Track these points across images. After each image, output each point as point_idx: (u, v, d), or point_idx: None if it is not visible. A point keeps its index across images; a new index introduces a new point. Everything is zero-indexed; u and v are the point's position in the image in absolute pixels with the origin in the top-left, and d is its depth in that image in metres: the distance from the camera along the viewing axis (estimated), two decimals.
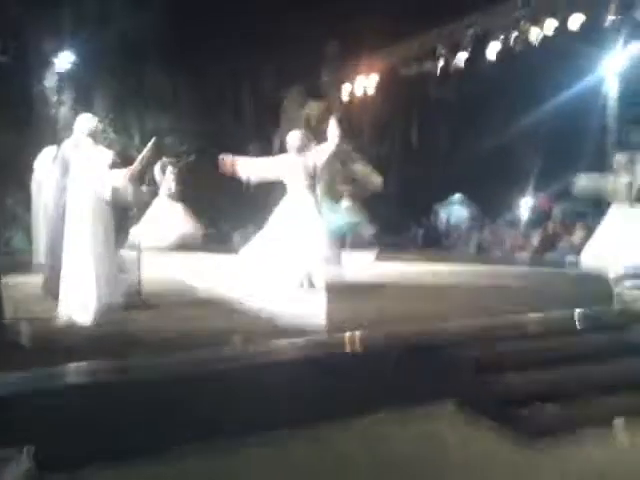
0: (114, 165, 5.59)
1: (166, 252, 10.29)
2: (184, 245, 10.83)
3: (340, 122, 6.38)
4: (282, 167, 6.38)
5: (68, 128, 11.99)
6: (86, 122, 4.88)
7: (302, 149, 6.31)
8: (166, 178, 11.25)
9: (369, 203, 13.26)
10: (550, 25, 8.58)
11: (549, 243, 11.09)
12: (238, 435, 3.60)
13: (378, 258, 10.05)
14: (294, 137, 6.41)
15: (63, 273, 4.67)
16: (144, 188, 5.84)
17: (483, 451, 3.86)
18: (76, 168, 4.75)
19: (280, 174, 6.37)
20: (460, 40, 9.77)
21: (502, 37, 9.21)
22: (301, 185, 6.24)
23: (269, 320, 4.81)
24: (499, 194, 16.20)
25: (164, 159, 11.50)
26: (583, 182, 7.37)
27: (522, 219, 14.56)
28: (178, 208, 11.04)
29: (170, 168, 11.40)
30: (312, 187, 6.30)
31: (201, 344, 3.93)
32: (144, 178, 11.66)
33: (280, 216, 6.23)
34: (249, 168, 6.40)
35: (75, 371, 3.46)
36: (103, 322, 4.48)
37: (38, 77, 13.45)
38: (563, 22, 8.49)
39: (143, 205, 12.27)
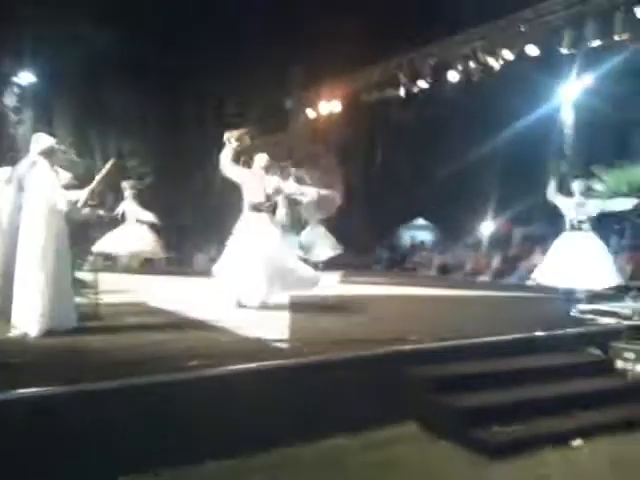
0: (72, 187, 5.55)
1: (130, 275, 10.20)
2: (144, 258, 10.80)
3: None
4: (248, 181, 6.44)
5: (27, 148, 11.91)
6: (41, 141, 4.80)
7: (266, 172, 6.41)
8: (127, 201, 11.18)
9: (335, 225, 13.40)
10: (506, 56, 8.83)
11: (509, 266, 11.28)
12: (181, 464, 3.53)
13: (344, 280, 10.11)
14: (261, 159, 6.49)
15: (14, 293, 4.54)
16: (101, 212, 5.70)
17: (442, 474, 3.86)
18: (31, 187, 4.65)
19: (244, 185, 6.41)
20: (420, 69, 9.98)
21: (460, 67, 9.42)
22: (260, 205, 6.30)
23: (221, 342, 4.75)
24: (460, 218, 16.48)
25: (124, 183, 11.43)
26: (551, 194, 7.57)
27: (483, 242, 14.82)
28: (141, 228, 10.96)
29: (129, 191, 11.31)
30: (269, 208, 6.37)
31: (148, 370, 3.83)
32: (103, 201, 11.63)
33: (239, 238, 6.25)
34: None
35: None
36: (50, 344, 4.34)
37: None
38: (519, 53, 8.74)
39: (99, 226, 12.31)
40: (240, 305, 6.25)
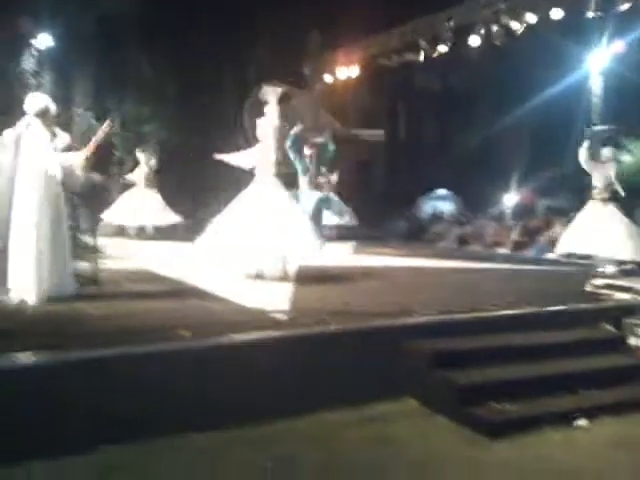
0: (71, 148, 5.44)
1: (139, 240, 10.18)
2: (156, 230, 10.75)
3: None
4: (254, 156, 6.30)
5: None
6: (35, 102, 4.70)
7: (272, 136, 6.23)
8: (143, 166, 11.11)
9: (354, 195, 13.21)
10: (530, 19, 8.46)
11: (529, 238, 11.01)
12: (168, 434, 3.48)
13: (356, 251, 9.96)
14: (265, 124, 6.31)
15: (10, 256, 4.50)
16: (95, 176, 5.60)
17: (439, 451, 3.76)
18: (26, 148, 4.58)
19: (253, 162, 6.30)
20: (440, 33, 9.63)
21: (482, 31, 9.06)
22: (268, 172, 6.15)
23: (220, 311, 4.67)
24: (484, 189, 16.16)
25: (141, 147, 11.37)
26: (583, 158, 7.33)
27: (505, 214, 14.54)
28: (153, 195, 10.88)
29: (146, 156, 11.24)
30: (279, 175, 6.21)
31: (138, 340, 3.76)
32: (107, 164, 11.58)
33: (242, 203, 6.11)
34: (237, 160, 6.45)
35: None
36: (45, 311, 4.31)
37: (16, 59, 13.16)
38: (544, 17, 8.36)
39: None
40: (257, 276, 6.11)
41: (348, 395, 4.16)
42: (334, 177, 11.21)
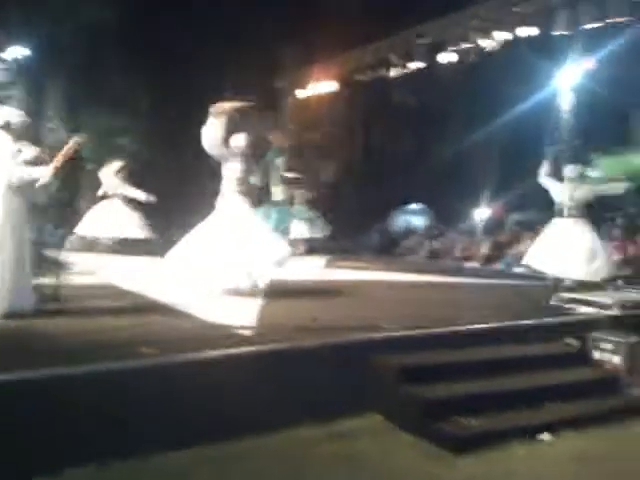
0: (40, 161, 5.36)
1: (108, 255, 10.04)
2: (125, 243, 10.59)
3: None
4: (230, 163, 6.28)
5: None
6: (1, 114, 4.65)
7: (244, 153, 6.23)
8: (115, 179, 10.95)
9: (328, 208, 13.22)
10: (499, 37, 8.60)
11: (499, 252, 11.12)
12: (141, 453, 3.41)
13: (328, 265, 9.96)
14: (240, 139, 6.28)
15: None
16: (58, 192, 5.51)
17: (402, 467, 3.74)
18: None
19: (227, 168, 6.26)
20: (412, 49, 9.75)
21: (453, 48, 9.20)
22: (234, 187, 6.14)
23: (187, 328, 4.62)
24: (456, 203, 16.31)
25: (113, 162, 11.22)
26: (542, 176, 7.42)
27: (476, 228, 14.67)
28: (124, 208, 10.75)
29: (118, 169, 11.10)
30: (244, 191, 6.19)
31: (101, 356, 3.70)
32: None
33: (212, 220, 6.09)
34: None
35: None
36: (1, 327, 4.22)
37: None
38: (513, 34, 8.51)
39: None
40: (228, 292, 6.07)
41: (316, 411, 4.13)
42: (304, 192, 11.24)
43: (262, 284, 6.28)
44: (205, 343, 4.16)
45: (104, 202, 10.81)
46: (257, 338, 4.42)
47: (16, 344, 3.93)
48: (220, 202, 6.22)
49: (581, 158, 13.87)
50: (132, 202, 11.01)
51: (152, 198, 10.67)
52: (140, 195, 10.68)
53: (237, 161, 6.20)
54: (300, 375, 4.15)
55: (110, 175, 10.95)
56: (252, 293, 6.06)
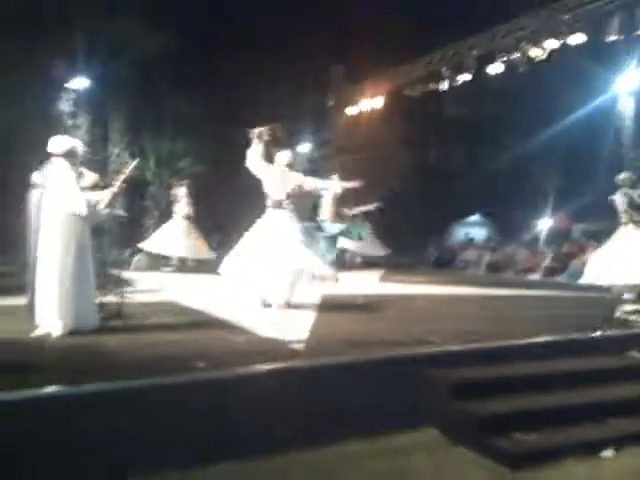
0: (99, 187, 5.64)
1: (172, 274, 10.34)
2: (194, 263, 10.87)
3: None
4: (271, 180, 6.42)
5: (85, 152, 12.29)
6: (59, 143, 4.90)
7: (290, 168, 6.37)
8: (179, 200, 11.28)
9: (387, 223, 13.22)
10: (550, 45, 8.46)
11: (561, 263, 10.81)
12: (187, 466, 3.50)
13: (382, 279, 9.94)
14: (283, 156, 6.45)
15: (37, 293, 4.67)
16: (121, 212, 5.76)
17: None
18: (51, 188, 4.77)
19: (265, 182, 6.42)
20: (463, 61, 9.69)
21: (505, 58, 9.10)
22: (281, 202, 6.26)
23: (239, 342, 4.71)
24: (518, 214, 16.00)
25: (175, 182, 11.57)
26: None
27: (539, 239, 14.34)
28: (189, 227, 11.05)
29: (182, 190, 11.44)
30: (291, 205, 6.31)
31: (156, 370, 3.83)
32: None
33: (256, 233, 6.22)
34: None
35: None
36: (67, 345, 4.42)
37: (53, 101, 13.69)
38: (565, 42, 8.35)
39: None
40: (265, 305, 6.21)
41: (367, 426, 4.12)
42: (353, 210, 11.29)
43: (313, 298, 6.38)
44: (257, 357, 4.23)
45: (171, 222, 11.12)
46: (307, 352, 4.47)
47: (79, 359, 4.11)
48: (264, 217, 6.37)
49: None
50: (195, 223, 11.32)
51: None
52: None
53: (279, 178, 6.34)
54: (349, 390, 4.16)
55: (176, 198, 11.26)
56: (304, 306, 6.16)
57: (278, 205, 6.29)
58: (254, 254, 6.04)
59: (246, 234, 6.30)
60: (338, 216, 9.65)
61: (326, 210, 9.45)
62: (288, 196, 6.30)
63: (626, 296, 6.67)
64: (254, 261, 6.00)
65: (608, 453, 4.02)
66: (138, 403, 3.60)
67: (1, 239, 9.95)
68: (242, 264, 6.06)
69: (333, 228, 8.61)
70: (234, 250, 6.25)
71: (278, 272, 6.00)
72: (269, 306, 6.19)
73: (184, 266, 10.98)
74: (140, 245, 10.83)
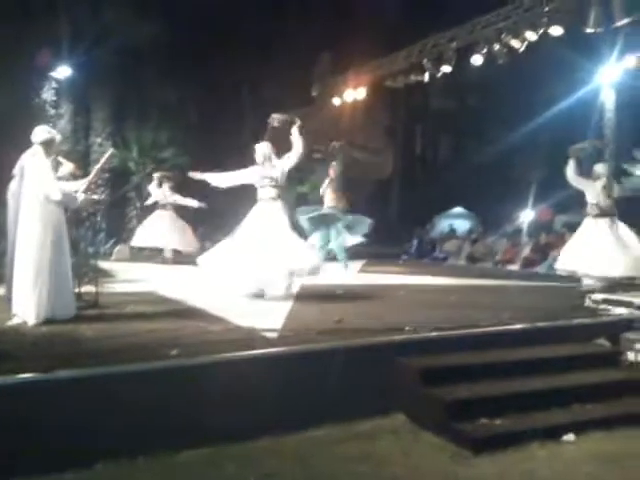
0: (75, 176, 5.68)
1: (155, 264, 10.35)
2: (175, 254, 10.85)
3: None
4: (250, 178, 6.49)
5: (66, 142, 12.23)
6: (40, 133, 4.95)
7: (268, 159, 6.42)
8: (162, 191, 11.19)
9: (370, 214, 13.29)
10: (530, 37, 8.55)
11: (540, 254, 10.96)
12: (157, 451, 3.58)
13: (362, 270, 10.03)
14: (261, 148, 6.51)
15: (14, 282, 4.72)
16: (95, 196, 5.81)
17: (420, 467, 3.79)
18: (29, 176, 4.81)
19: (250, 182, 6.48)
20: (443, 53, 9.77)
21: (485, 50, 9.17)
22: (268, 193, 6.30)
23: (216, 331, 4.79)
24: (500, 206, 16.15)
25: (158, 174, 11.50)
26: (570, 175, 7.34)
27: (520, 230, 14.49)
28: (173, 217, 11.00)
29: (165, 182, 11.37)
30: (279, 195, 6.36)
31: (131, 357, 3.90)
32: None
33: (247, 225, 6.29)
34: (217, 180, 6.56)
35: None
36: (43, 332, 4.48)
37: (36, 91, 13.63)
38: (544, 34, 8.45)
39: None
40: (258, 295, 6.26)
41: (337, 412, 4.23)
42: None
43: (293, 289, 6.46)
44: (231, 345, 4.31)
45: (157, 213, 11.04)
46: (282, 340, 4.55)
47: (54, 347, 4.18)
48: (256, 208, 6.42)
49: (625, 156, 13.62)
50: (182, 215, 11.27)
51: (203, 205, 10.87)
52: (192, 203, 10.90)
53: (263, 169, 6.41)
54: (322, 377, 4.25)
55: (157, 185, 11.18)
56: (281, 296, 6.24)
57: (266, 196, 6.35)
58: (244, 247, 6.07)
59: (238, 229, 6.33)
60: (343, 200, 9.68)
61: (329, 197, 9.54)
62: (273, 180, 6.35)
63: (594, 284, 6.81)
64: (244, 254, 6.03)
65: (570, 437, 4.15)
66: (110, 390, 3.67)
67: None
68: (225, 258, 6.09)
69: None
70: (220, 245, 6.30)
71: (274, 266, 6.05)
72: (260, 296, 6.24)
73: (163, 257, 10.92)
74: (132, 243, 10.74)
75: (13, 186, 5.26)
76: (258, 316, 5.35)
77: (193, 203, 10.91)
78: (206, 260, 6.24)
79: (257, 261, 6.05)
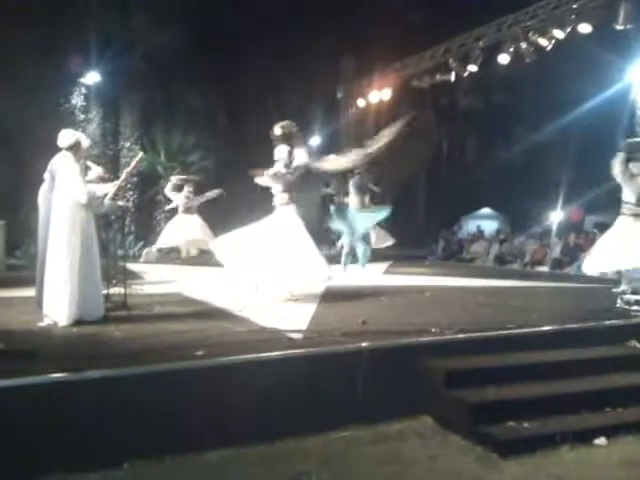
0: (104, 180, 5.77)
1: (180, 266, 10.44)
2: (199, 250, 10.90)
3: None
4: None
5: (96, 146, 12.42)
6: (66, 137, 5.03)
7: (287, 162, 6.42)
8: (182, 195, 11.25)
9: (397, 215, 13.24)
10: (557, 35, 8.42)
11: (570, 255, 10.79)
12: (184, 452, 3.61)
13: (388, 271, 9.98)
14: (280, 151, 6.50)
15: (45, 283, 4.81)
16: (120, 202, 5.88)
17: (447, 470, 3.76)
18: (59, 180, 4.90)
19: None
20: (470, 52, 9.68)
21: (512, 49, 9.07)
22: (281, 196, 6.34)
23: (241, 332, 4.82)
24: (529, 206, 15.96)
25: (174, 178, 11.52)
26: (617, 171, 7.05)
27: (550, 231, 14.28)
28: (194, 219, 11.07)
29: (186, 185, 11.42)
30: (292, 198, 6.37)
31: (158, 358, 3.94)
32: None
33: (262, 224, 6.31)
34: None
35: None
36: (72, 333, 4.56)
37: (66, 96, 13.86)
38: (572, 32, 8.32)
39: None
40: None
41: (363, 413, 4.22)
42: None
43: (318, 290, 6.46)
44: (256, 346, 4.33)
45: (181, 215, 11.13)
46: (307, 341, 4.55)
47: (84, 347, 4.25)
48: (273, 213, 6.45)
49: None
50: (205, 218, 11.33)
51: (222, 191, 10.93)
52: (211, 194, 10.99)
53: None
54: (347, 378, 4.25)
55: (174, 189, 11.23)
56: (304, 298, 6.26)
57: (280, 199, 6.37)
58: (253, 243, 6.10)
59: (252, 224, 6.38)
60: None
61: (354, 200, 9.54)
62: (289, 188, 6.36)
63: (627, 286, 6.66)
64: (253, 250, 6.06)
65: (601, 441, 4.07)
66: (137, 390, 3.71)
67: (18, 234, 10.18)
68: (238, 249, 6.12)
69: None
70: (235, 231, 6.34)
71: (275, 267, 6.06)
72: (286, 298, 6.27)
73: (189, 258, 10.98)
74: (156, 246, 10.87)
75: (44, 190, 5.36)
76: (283, 317, 5.36)
77: (212, 194, 11.03)
78: (219, 245, 6.26)
79: (263, 259, 6.06)
